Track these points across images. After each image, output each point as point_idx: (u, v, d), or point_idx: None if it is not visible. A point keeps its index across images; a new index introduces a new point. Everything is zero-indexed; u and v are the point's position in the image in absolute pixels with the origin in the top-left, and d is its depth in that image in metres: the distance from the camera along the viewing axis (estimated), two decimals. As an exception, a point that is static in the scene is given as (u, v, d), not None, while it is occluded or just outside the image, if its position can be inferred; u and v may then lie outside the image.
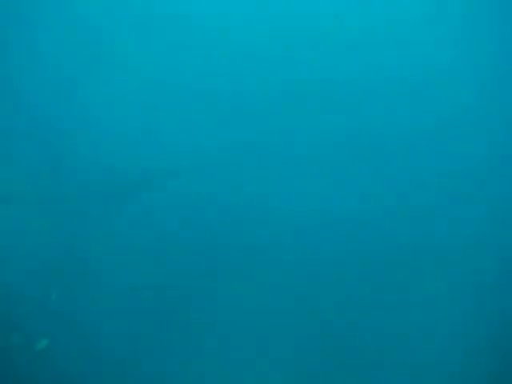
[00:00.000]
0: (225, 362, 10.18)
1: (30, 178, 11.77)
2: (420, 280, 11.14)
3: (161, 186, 12.16)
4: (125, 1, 13.14)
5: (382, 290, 11.05)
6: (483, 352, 10.12)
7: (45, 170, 11.90)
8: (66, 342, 10.01)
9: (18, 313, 10.14)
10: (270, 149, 12.73)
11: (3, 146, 12.08)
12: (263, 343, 10.38)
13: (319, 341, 10.46)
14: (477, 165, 12.35)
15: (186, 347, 10.30)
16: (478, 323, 10.46)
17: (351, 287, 11.08)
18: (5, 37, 12.63)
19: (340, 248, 11.55)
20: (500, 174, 12.22)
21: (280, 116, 12.96)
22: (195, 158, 12.49)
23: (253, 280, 11.14)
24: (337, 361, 10.27)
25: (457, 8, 13.05)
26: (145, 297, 10.78)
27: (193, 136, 12.68)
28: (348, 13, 13.38)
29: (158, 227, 11.73)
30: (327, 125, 12.87)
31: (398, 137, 12.75)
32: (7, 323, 9.95)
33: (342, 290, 11.05)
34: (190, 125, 12.75)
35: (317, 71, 13.21)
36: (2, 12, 12.60)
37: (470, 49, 12.93)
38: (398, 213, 11.96)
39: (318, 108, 13.01)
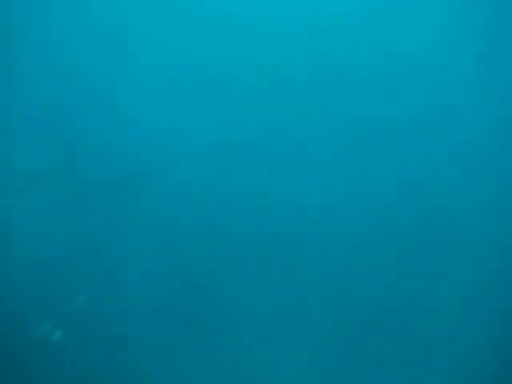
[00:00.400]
0: (243, 358, 10.22)
1: (41, 175, 11.73)
2: (419, 280, 11.16)
3: (161, 181, 12.15)
4: None
5: (381, 290, 11.06)
6: (483, 352, 10.14)
7: (57, 167, 11.88)
8: (83, 337, 10.04)
9: (36, 310, 10.14)
10: (272, 140, 12.72)
11: (16, 141, 12.05)
12: (276, 341, 10.40)
13: (321, 339, 10.48)
14: (476, 159, 12.31)
15: (205, 347, 10.32)
16: (478, 323, 10.47)
17: (350, 287, 11.10)
18: (19, 32, 12.61)
19: (339, 246, 11.55)
20: (500, 168, 12.19)
21: (281, 108, 12.94)
22: (196, 151, 12.48)
23: (254, 276, 11.13)
24: (336, 359, 10.29)
25: None
26: (155, 295, 10.76)
27: (194, 128, 12.66)
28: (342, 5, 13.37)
29: (161, 225, 11.71)
30: (329, 116, 12.85)
31: (397, 129, 12.72)
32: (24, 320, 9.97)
33: (339, 288, 11.07)
34: (194, 117, 12.73)
35: (314, 62, 13.17)
36: (17, 9, 12.58)
37: (469, 36, 12.88)
38: (398, 213, 11.94)
39: (319, 100, 12.98)
